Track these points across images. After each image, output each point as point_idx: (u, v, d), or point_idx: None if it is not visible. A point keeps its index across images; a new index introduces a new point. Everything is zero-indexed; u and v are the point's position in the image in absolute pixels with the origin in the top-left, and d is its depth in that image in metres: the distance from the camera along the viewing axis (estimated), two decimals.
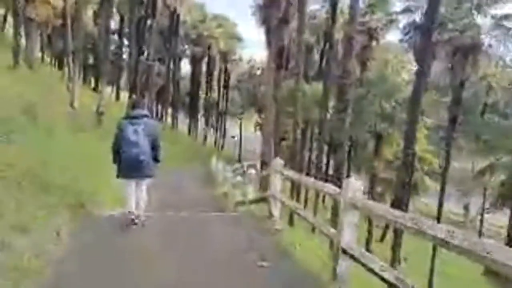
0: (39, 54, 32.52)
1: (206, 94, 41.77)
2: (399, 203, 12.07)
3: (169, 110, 41.45)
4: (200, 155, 30.83)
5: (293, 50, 19.74)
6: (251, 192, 9.43)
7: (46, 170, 6.48)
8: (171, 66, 39.87)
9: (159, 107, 41.52)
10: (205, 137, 41.31)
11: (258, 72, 39.25)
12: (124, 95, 37.59)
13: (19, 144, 6.85)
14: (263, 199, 8.32)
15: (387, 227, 23.30)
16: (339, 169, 13.85)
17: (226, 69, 40.93)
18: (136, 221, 4.97)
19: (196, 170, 21.80)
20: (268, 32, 19.85)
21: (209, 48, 38.33)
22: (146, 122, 4.80)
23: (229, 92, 42.46)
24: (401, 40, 20.57)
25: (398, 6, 36.80)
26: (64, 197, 5.64)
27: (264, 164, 22.78)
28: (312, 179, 5.76)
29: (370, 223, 20.60)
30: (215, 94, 43.21)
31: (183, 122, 44.76)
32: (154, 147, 4.85)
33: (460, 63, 17.27)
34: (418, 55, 21.37)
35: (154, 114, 38.82)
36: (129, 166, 4.72)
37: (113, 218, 5.46)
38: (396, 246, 13.06)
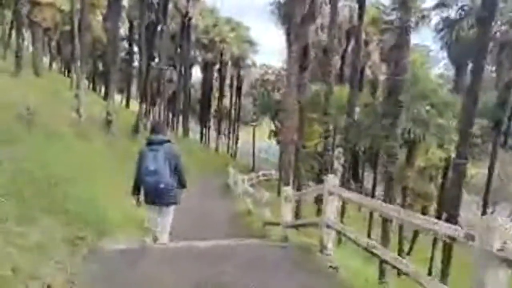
0: (47, 61, 31.52)
1: (218, 101, 40.34)
2: (454, 221, 10.29)
3: (180, 118, 40.33)
4: (214, 165, 29.32)
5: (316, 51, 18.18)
6: (287, 213, 7.76)
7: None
8: (183, 72, 38.86)
9: (170, 115, 40.28)
10: (217, 146, 39.82)
11: (272, 78, 37.78)
12: (134, 102, 36.50)
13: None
14: (310, 225, 6.76)
15: (414, 239, 21.45)
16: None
17: (238, 75, 39.52)
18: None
19: (212, 182, 20.19)
20: (289, 32, 18.30)
21: (221, 54, 37.01)
22: (166, 147, 4.75)
23: (242, 99, 40.99)
24: (434, 38, 18.85)
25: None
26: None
27: (285, 175, 21.20)
28: (401, 209, 4.07)
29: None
30: (227, 101, 41.80)
31: (193, 130, 43.50)
32: (176, 172, 4.79)
33: (508, 59, 15.47)
34: (453, 53, 19.75)
35: (165, 123, 37.65)
36: (150, 194, 4.71)
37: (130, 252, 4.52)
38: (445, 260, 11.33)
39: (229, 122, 42.04)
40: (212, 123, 43.91)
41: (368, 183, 25.64)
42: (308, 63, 17.04)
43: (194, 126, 46.10)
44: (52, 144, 8.39)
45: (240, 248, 5.49)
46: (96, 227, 5.00)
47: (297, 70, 17.45)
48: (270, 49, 74.55)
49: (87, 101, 18.09)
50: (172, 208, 4.98)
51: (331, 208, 5.15)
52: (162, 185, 4.61)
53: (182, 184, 4.92)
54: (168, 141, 4.87)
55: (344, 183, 27.24)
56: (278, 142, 37.88)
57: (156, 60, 34.53)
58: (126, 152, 14.96)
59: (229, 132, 42.21)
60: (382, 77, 23.99)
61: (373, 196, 23.01)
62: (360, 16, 17.28)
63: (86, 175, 7.43)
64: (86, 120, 16.06)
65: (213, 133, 42.95)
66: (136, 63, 39.36)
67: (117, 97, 43.08)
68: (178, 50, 37.34)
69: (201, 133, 42.64)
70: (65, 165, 6.96)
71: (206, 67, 41.05)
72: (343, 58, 24.02)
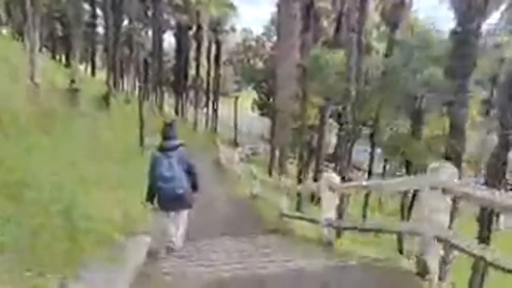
0: None
1: (196, 70, 37.11)
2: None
3: (153, 88, 37.02)
4: (196, 140, 26.76)
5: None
6: (330, 208, 5.59)
7: None
8: (154, 37, 35.25)
9: (142, 85, 36.74)
10: (196, 119, 36.97)
11: (254, 44, 34.87)
12: (101, 74, 32.83)
13: None
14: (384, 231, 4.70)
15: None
16: None
17: (217, 41, 36.20)
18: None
19: (200, 160, 17.71)
20: None
21: (197, 16, 33.52)
22: (179, 152, 4.77)
23: (221, 67, 37.85)
24: None
25: None
26: None
27: (281, 151, 19.09)
28: None
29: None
30: (204, 70, 38.60)
31: (168, 102, 40.40)
32: (190, 176, 4.80)
33: None
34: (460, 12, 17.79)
35: (137, 94, 34.52)
36: (167, 201, 4.71)
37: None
38: None
39: (208, 92, 39.03)
40: (188, 94, 40.74)
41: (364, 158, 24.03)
42: (310, 22, 14.56)
43: (168, 99, 42.89)
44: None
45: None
46: None
47: (298, 30, 14.99)
48: (248, 17, 70.54)
49: (46, 68, 15.04)
50: (187, 211, 5.02)
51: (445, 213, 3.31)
52: (180, 191, 4.65)
53: (194, 187, 4.90)
54: (181, 145, 4.85)
55: (337, 160, 25.55)
56: (262, 114, 35.69)
57: (126, 22, 30.90)
58: (98, 130, 12.34)
59: (207, 104, 39.30)
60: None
61: (370, 173, 21.48)
62: None
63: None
64: (45, 92, 13.09)
65: (190, 106, 39.94)
66: (100, 29, 35.45)
67: (81, 68, 39.20)
68: (149, 12, 33.60)
69: (176, 105, 39.55)
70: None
71: (180, 32, 37.45)
72: (339, 20, 21.56)
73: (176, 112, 38.77)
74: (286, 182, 7.80)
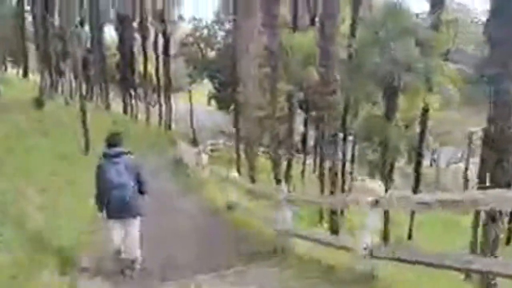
0: None
1: (144, 65, 34.20)
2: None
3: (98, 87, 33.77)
4: (149, 140, 24.34)
5: None
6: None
7: None
8: (92, 32, 31.96)
9: (84, 85, 33.31)
10: (148, 117, 34.16)
11: (205, 33, 32.57)
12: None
13: None
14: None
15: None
16: None
17: (164, 33, 33.42)
18: (134, 265, 4.88)
19: (157, 163, 15.52)
20: None
21: (141, 4, 30.66)
22: (126, 160, 4.79)
23: (171, 60, 35.17)
24: None
25: None
26: None
27: (249, 146, 17.41)
28: None
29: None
30: (153, 65, 35.78)
31: (115, 101, 37.16)
32: (138, 183, 4.83)
33: None
34: None
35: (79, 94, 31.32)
36: (116, 208, 4.67)
37: None
38: None
39: (158, 88, 36.25)
40: (137, 91, 37.66)
41: None
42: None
43: (114, 97, 39.57)
44: None
45: None
46: None
47: (257, 10, 13.28)
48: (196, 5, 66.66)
49: None
50: (138, 220, 4.90)
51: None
52: (127, 198, 4.63)
53: (141, 191, 4.88)
54: (126, 152, 4.87)
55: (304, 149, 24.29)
56: (221, 108, 33.66)
57: (57, 16, 27.40)
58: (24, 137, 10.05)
59: (159, 101, 36.54)
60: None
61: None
62: None
63: None
64: None
65: (141, 104, 36.96)
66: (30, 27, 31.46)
67: (13, 72, 34.93)
68: (84, 4, 30.21)
69: (124, 103, 36.37)
70: None
71: (122, 24, 34.25)
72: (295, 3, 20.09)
73: (125, 111, 35.72)
74: (279, 189, 6.08)
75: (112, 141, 4.86)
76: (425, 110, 17.24)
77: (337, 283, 3.67)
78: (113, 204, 4.59)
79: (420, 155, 17.84)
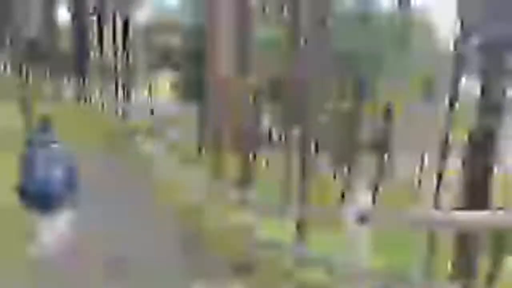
0: None
1: (100, 52, 31.76)
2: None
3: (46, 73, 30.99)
4: (103, 131, 22.32)
5: None
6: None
7: None
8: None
9: (30, 70, 30.52)
10: (104, 107, 31.82)
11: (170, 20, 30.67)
12: None
13: None
14: None
15: None
16: None
17: (126, 20, 31.11)
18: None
19: (111, 162, 13.46)
20: None
21: None
22: (56, 148, 4.43)
23: (131, 46, 32.95)
24: None
25: None
26: None
27: (213, 139, 16.05)
28: None
29: None
30: (111, 52, 33.43)
31: (67, 87, 34.48)
32: (67, 174, 4.47)
33: None
34: None
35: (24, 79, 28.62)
36: (39, 201, 4.33)
37: None
38: None
39: (116, 77, 33.92)
40: (93, 79, 35.11)
41: None
42: None
43: (68, 84, 36.68)
44: None
45: None
46: None
47: None
48: None
49: None
50: (67, 213, 4.57)
51: None
52: (55, 189, 4.34)
53: (71, 185, 4.49)
54: (55, 141, 4.48)
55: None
56: (185, 97, 31.95)
57: None
58: None
59: (117, 90, 34.25)
60: None
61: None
62: None
63: None
64: None
65: (97, 92, 34.55)
66: None
67: None
68: None
69: (79, 92, 33.71)
70: None
71: (76, 6, 31.62)
72: None
73: (78, 99, 33.19)
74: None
75: (42, 126, 4.44)
76: None
77: None
78: (36, 196, 4.32)
79: None
